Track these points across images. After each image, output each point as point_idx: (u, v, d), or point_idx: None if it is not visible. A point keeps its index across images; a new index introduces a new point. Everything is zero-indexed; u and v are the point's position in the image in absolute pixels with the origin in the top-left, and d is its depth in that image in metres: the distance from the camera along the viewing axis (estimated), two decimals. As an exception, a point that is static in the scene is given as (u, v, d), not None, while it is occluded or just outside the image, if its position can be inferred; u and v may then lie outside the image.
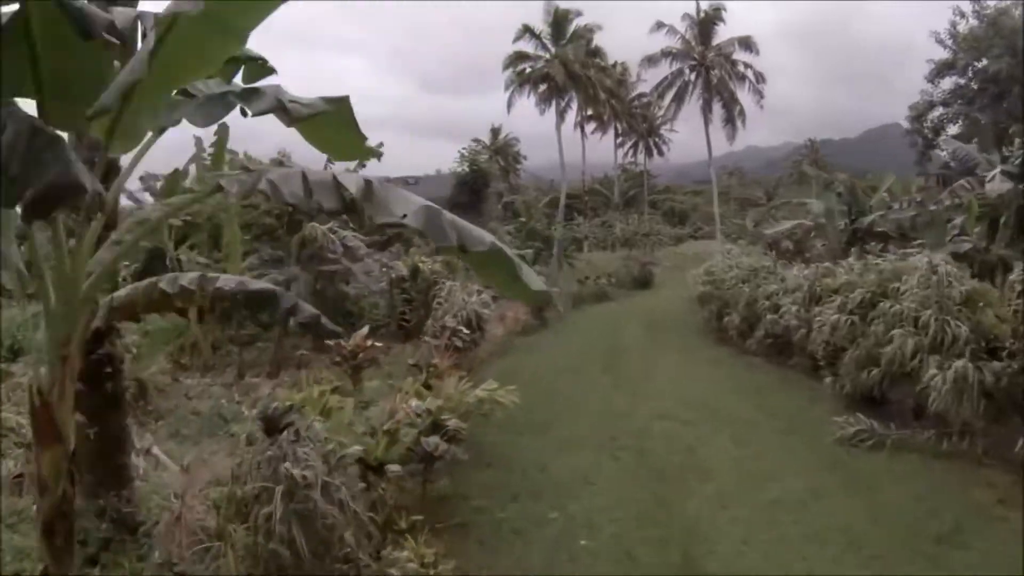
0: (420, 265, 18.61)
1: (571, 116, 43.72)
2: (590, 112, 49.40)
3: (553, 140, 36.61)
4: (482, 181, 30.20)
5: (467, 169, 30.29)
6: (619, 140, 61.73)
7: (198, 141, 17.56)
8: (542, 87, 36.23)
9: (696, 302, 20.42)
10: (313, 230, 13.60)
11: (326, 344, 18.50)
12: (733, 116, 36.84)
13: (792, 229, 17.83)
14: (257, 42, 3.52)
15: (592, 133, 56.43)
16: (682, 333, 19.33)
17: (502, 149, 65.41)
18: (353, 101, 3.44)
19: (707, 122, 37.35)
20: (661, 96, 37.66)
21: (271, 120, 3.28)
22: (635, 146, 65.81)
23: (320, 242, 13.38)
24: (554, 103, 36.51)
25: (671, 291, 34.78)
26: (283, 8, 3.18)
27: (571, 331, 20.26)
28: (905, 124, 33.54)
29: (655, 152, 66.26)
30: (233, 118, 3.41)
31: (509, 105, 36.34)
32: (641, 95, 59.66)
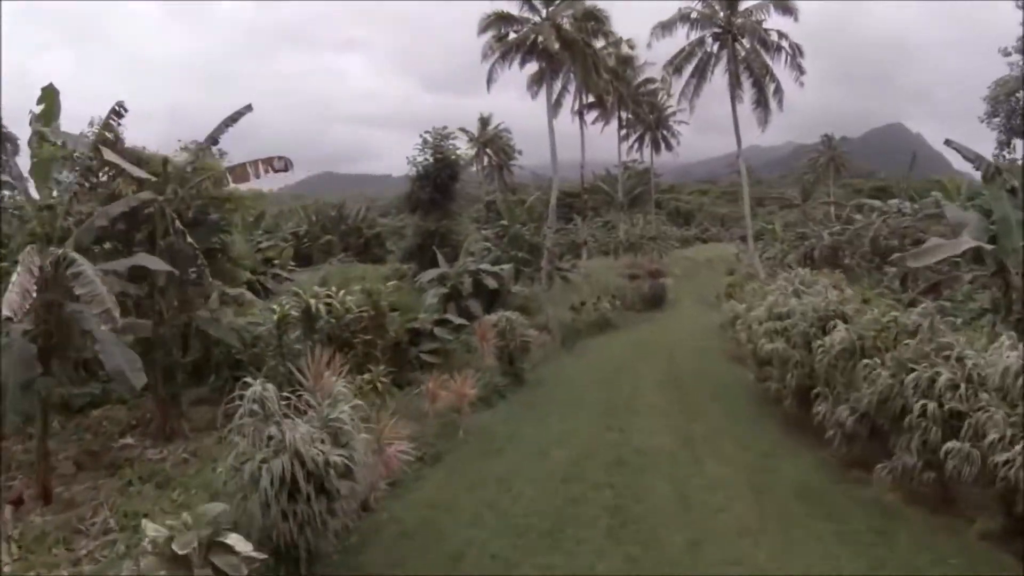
0: (313, 302, 11.56)
1: (568, 103, 36.61)
2: (590, 99, 42.39)
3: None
4: (448, 173, 23.10)
5: (430, 159, 23.15)
6: (623, 132, 54.73)
7: (33, 117, 11.65)
8: (531, 63, 29.18)
9: (723, 328, 16.18)
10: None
11: (171, 430, 11.72)
12: (767, 96, 29.56)
13: (954, 257, 10.12)
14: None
15: (593, 123, 49.46)
16: (731, 410, 12.29)
17: (492, 141, 58.32)
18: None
19: (734, 100, 30.01)
20: (678, 71, 30.37)
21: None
22: (640, 139, 58.73)
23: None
24: (545, 82, 29.42)
25: (690, 313, 28.14)
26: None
27: (554, 403, 13.08)
28: (984, 106, 26.61)
29: (663, 147, 59.23)
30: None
31: (489, 81, 29.17)
32: (649, 80, 52.66)
